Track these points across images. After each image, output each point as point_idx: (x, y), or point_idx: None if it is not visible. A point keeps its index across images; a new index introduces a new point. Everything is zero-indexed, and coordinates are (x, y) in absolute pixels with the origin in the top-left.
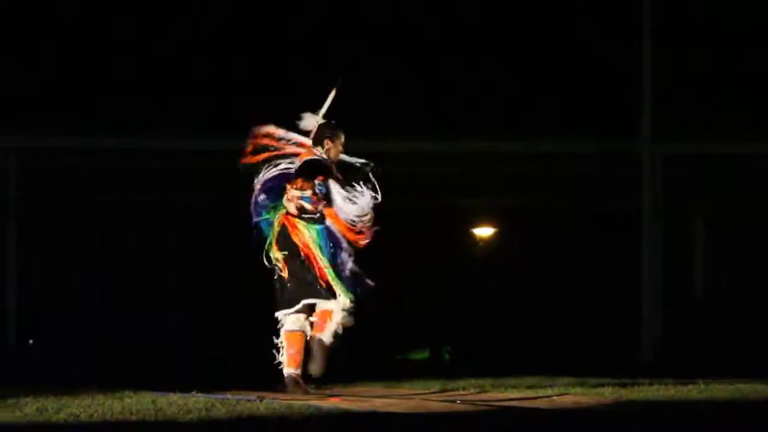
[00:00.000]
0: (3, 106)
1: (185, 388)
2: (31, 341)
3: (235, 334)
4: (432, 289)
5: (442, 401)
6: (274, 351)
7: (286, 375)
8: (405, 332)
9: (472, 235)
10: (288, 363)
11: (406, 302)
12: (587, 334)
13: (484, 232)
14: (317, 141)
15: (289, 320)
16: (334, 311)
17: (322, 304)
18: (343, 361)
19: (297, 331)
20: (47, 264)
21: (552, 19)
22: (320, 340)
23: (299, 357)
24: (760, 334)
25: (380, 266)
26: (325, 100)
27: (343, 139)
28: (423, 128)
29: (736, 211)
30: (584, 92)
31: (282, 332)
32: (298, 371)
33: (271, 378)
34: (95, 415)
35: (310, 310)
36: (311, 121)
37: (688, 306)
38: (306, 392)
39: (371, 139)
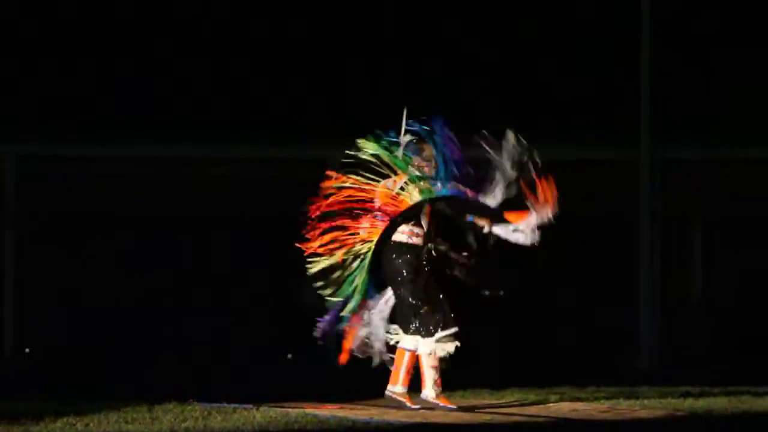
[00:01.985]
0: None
1: (197, 398)
2: (27, 350)
3: (237, 343)
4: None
5: (437, 409)
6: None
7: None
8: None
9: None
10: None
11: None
12: (585, 338)
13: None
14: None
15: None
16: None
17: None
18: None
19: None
20: (46, 271)
21: (551, 24)
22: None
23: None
24: (759, 338)
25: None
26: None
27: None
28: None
29: (734, 215)
30: (583, 97)
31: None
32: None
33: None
34: (91, 424)
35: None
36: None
37: (687, 311)
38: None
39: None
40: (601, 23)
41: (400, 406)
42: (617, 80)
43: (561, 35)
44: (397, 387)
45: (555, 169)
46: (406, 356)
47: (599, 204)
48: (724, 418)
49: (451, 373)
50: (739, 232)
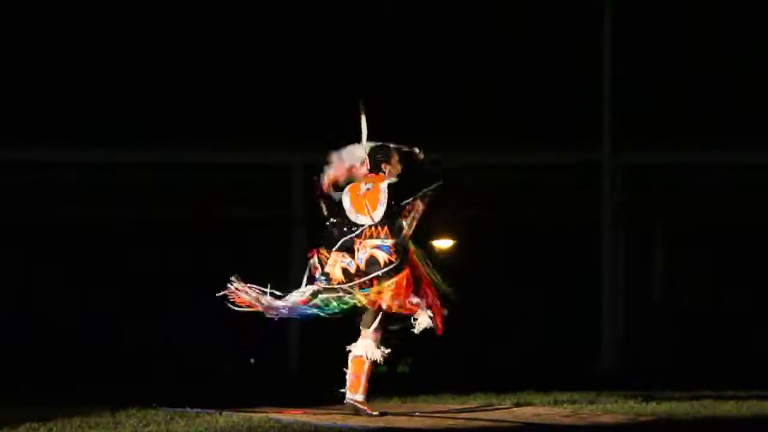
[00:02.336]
0: None
1: (156, 404)
2: None
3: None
4: None
5: (401, 414)
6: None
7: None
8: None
9: (432, 247)
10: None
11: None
12: (548, 342)
13: (443, 243)
14: (374, 168)
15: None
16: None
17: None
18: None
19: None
20: (19, 279)
21: (514, 29)
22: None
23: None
24: (720, 343)
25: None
26: (359, 128)
27: (397, 156)
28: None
29: (695, 220)
30: (544, 102)
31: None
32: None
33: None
34: (54, 429)
35: None
36: (359, 152)
37: (648, 314)
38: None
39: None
40: (562, 26)
41: (359, 412)
42: (578, 85)
43: (523, 38)
44: (357, 395)
45: (517, 173)
46: (366, 364)
47: (561, 208)
48: (686, 422)
49: (414, 378)
50: (701, 236)
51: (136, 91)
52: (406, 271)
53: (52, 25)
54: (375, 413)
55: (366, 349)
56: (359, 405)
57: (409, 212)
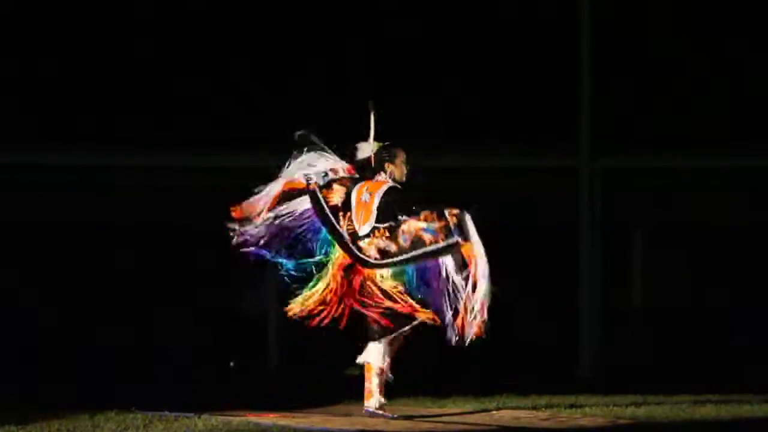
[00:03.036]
0: None
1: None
2: None
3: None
4: None
5: (380, 417)
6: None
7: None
8: (343, 348)
9: None
10: None
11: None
12: (526, 347)
13: None
14: (378, 168)
15: None
16: None
17: None
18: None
19: None
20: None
21: (491, 31)
22: None
23: None
24: (699, 346)
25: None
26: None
27: (403, 157)
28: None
29: (674, 225)
30: (521, 106)
31: None
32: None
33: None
34: None
35: None
36: (366, 149)
37: (627, 319)
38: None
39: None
40: (540, 28)
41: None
42: (556, 88)
43: (500, 41)
44: (369, 402)
45: (495, 176)
46: (372, 371)
47: (539, 212)
48: (665, 425)
49: (392, 381)
50: (679, 239)
51: (101, 91)
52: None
53: None
54: (392, 415)
55: (367, 354)
56: (374, 411)
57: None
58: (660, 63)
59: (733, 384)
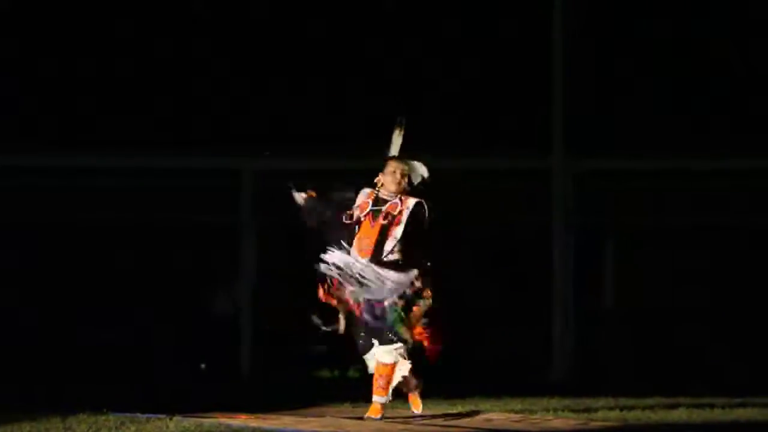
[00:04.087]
0: None
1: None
2: None
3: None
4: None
5: (352, 418)
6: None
7: None
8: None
9: None
10: None
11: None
12: (499, 349)
13: None
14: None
15: None
16: None
17: None
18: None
19: None
20: None
21: (465, 34)
22: None
23: None
24: (672, 347)
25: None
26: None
27: (393, 167)
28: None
29: (646, 227)
30: (496, 108)
31: None
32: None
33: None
34: None
35: None
36: (422, 170)
37: (601, 321)
38: None
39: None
40: (514, 30)
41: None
42: (530, 90)
43: (475, 42)
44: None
45: (469, 178)
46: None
47: (513, 213)
48: (638, 428)
49: (366, 384)
50: (651, 241)
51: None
52: None
53: None
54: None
55: (385, 356)
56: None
57: None
58: (633, 66)
59: (706, 385)
